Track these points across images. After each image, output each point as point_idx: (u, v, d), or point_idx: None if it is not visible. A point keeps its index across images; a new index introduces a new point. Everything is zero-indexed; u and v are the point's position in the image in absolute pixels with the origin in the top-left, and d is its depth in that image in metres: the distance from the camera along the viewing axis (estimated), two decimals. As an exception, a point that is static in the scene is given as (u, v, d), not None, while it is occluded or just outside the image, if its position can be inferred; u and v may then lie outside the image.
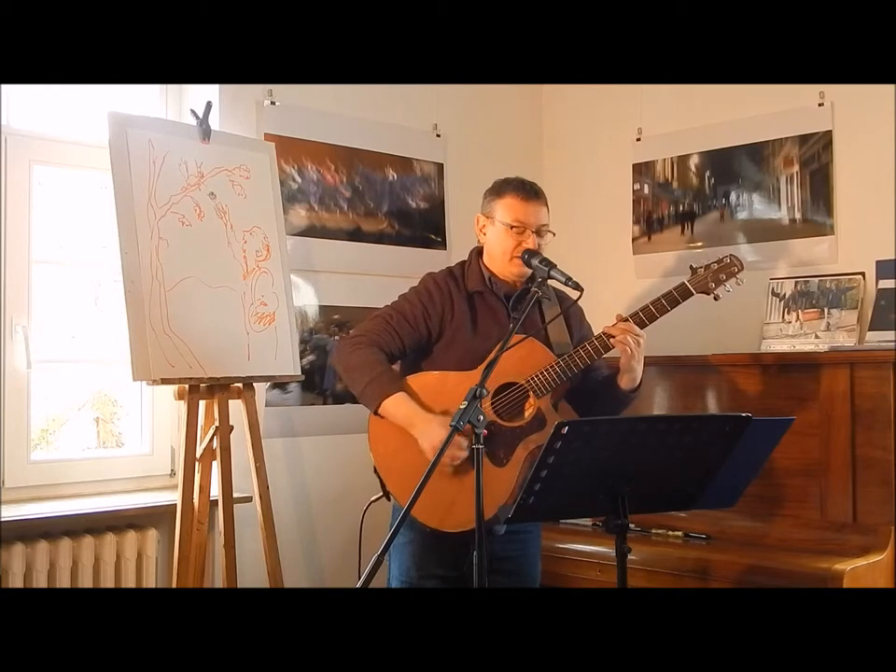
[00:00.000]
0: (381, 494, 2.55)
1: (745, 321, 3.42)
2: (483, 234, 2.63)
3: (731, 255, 2.58)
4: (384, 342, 2.54)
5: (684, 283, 2.54)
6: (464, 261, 2.69)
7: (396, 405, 2.46)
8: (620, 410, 2.62)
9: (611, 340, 2.46)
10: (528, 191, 2.57)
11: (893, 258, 3.11)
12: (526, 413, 2.49)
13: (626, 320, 2.48)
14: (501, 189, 2.60)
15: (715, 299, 2.56)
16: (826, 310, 3.26)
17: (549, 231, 2.59)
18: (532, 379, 2.46)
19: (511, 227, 2.54)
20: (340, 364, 2.61)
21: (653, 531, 3.04)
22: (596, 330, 2.59)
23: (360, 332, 2.59)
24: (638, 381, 2.53)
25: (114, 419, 3.34)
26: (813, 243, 3.38)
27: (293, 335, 3.07)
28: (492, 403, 2.46)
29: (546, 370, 2.46)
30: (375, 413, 2.50)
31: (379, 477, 2.54)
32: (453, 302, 2.59)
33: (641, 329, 2.49)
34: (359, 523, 2.51)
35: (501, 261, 2.58)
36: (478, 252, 2.66)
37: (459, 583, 2.46)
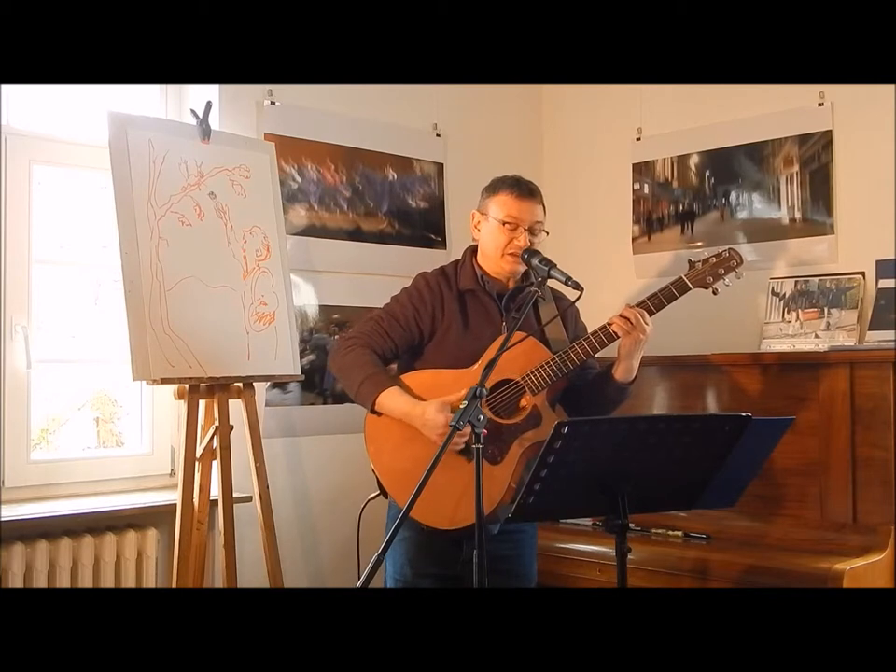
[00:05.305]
0: (378, 492, 2.55)
1: (745, 321, 3.42)
2: (478, 231, 2.64)
3: (729, 248, 2.59)
4: (376, 343, 2.56)
5: (681, 277, 2.55)
6: (457, 260, 2.69)
7: (391, 399, 2.46)
8: (610, 409, 2.60)
9: (619, 320, 2.44)
10: (523, 189, 2.57)
11: (893, 257, 3.11)
12: (522, 411, 2.49)
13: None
14: (497, 186, 2.61)
15: (713, 293, 2.56)
16: (826, 310, 3.25)
17: (543, 230, 2.58)
18: (528, 376, 2.46)
19: (504, 223, 2.54)
20: (334, 366, 2.63)
21: (653, 531, 3.04)
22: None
23: (353, 335, 2.61)
24: (634, 374, 2.51)
25: (114, 419, 3.34)
26: (813, 242, 3.38)
27: (293, 335, 3.07)
28: (487, 400, 2.45)
29: (542, 367, 2.46)
30: (372, 410, 2.50)
31: (376, 475, 2.54)
32: (443, 302, 2.59)
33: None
34: (356, 521, 2.52)
35: (493, 258, 2.58)
36: (472, 251, 2.67)
37: (453, 582, 2.46)
